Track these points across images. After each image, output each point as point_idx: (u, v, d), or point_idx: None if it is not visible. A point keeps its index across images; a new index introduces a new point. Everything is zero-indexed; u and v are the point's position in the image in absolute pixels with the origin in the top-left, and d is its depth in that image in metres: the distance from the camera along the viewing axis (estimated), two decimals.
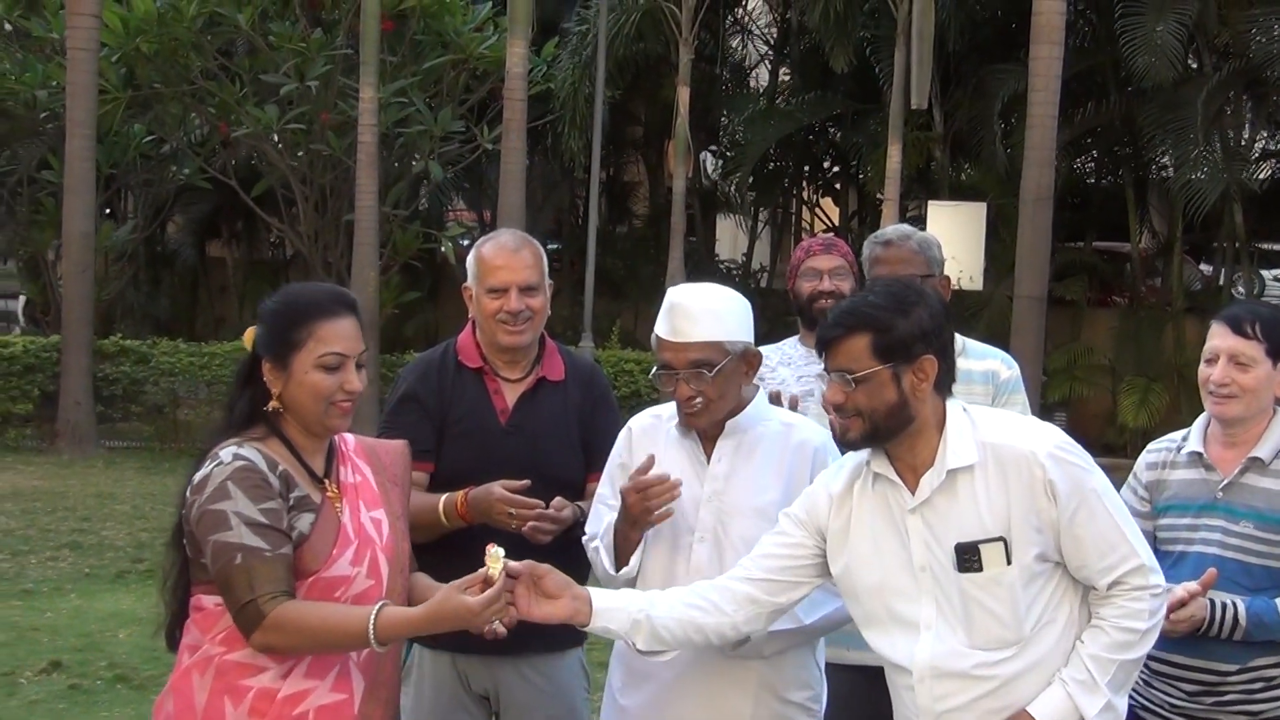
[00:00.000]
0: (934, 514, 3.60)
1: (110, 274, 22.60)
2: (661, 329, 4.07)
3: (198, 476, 3.55)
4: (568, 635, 4.70)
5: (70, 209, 18.39)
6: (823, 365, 3.68)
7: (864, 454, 3.73)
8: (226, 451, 3.56)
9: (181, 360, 18.73)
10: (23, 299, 26.07)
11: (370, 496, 3.78)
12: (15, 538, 12.64)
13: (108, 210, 24.69)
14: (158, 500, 14.75)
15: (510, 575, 3.57)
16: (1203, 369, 4.33)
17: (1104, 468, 3.72)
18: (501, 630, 3.68)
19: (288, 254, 27.35)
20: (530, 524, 4.30)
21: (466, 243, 22.82)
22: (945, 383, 3.65)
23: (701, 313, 4.04)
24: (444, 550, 4.25)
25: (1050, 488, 3.51)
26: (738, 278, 26.12)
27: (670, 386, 4.05)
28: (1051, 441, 3.59)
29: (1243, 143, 21.95)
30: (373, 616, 3.45)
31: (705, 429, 4.13)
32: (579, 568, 4.34)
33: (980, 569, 3.53)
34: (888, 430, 3.59)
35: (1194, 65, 20.96)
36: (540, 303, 4.64)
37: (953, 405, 3.68)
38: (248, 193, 21.93)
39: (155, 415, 19.12)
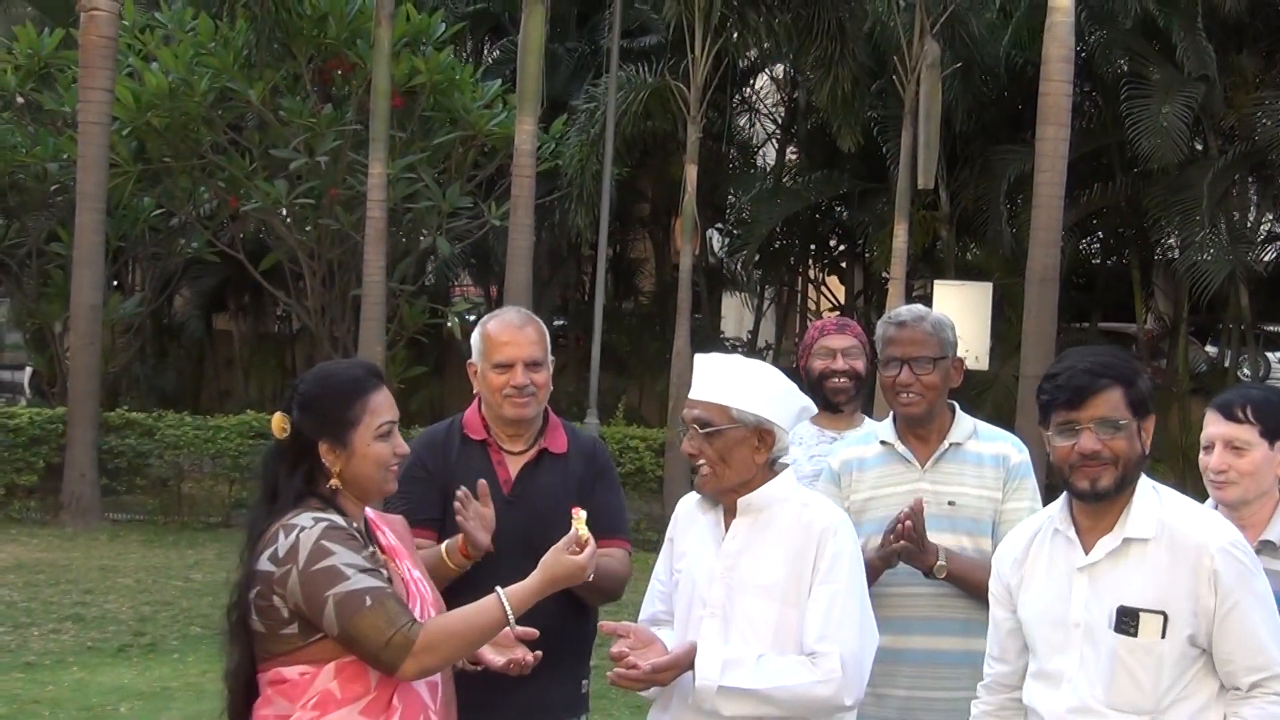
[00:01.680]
0: (1100, 574, 3.74)
1: (117, 346, 22.63)
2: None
3: (281, 549, 3.63)
4: (569, 705, 4.83)
5: (79, 281, 18.43)
6: (1066, 415, 3.76)
7: (1044, 514, 3.93)
8: (304, 518, 3.67)
9: (187, 433, 18.71)
10: (29, 370, 26.12)
11: (409, 558, 3.95)
12: (18, 610, 12.59)
13: (115, 282, 24.76)
14: (161, 574, 14.71)
15: None
16: (1202, 457, 4.46)
17: None
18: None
19: (294, 328, 27.42)
20: None
21: (473, 318, 22.85)
22: None
23: (716, 376, 4.17)
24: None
25: (1214, 579, 3.63)
26: (743, 355, 26.02)
27: (683, 441, 4.19)
28: (1226, 538, 3.71)
29: (1248, 225, 22.02)
30: (504, 600, 3.72)
31: (722, 500, 4.22)
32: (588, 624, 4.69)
33: (1135, 634, 3.67)
34: (1129, 481, 3.76)
35: (1200, 148, 21.06)
36: (544, 378, 4.80)
37: (1143, 478, 3.82)
38: (255, 266, 22.02)
39: (160, 488, 19.08)
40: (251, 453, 18.38)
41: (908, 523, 4.49)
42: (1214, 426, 4.39)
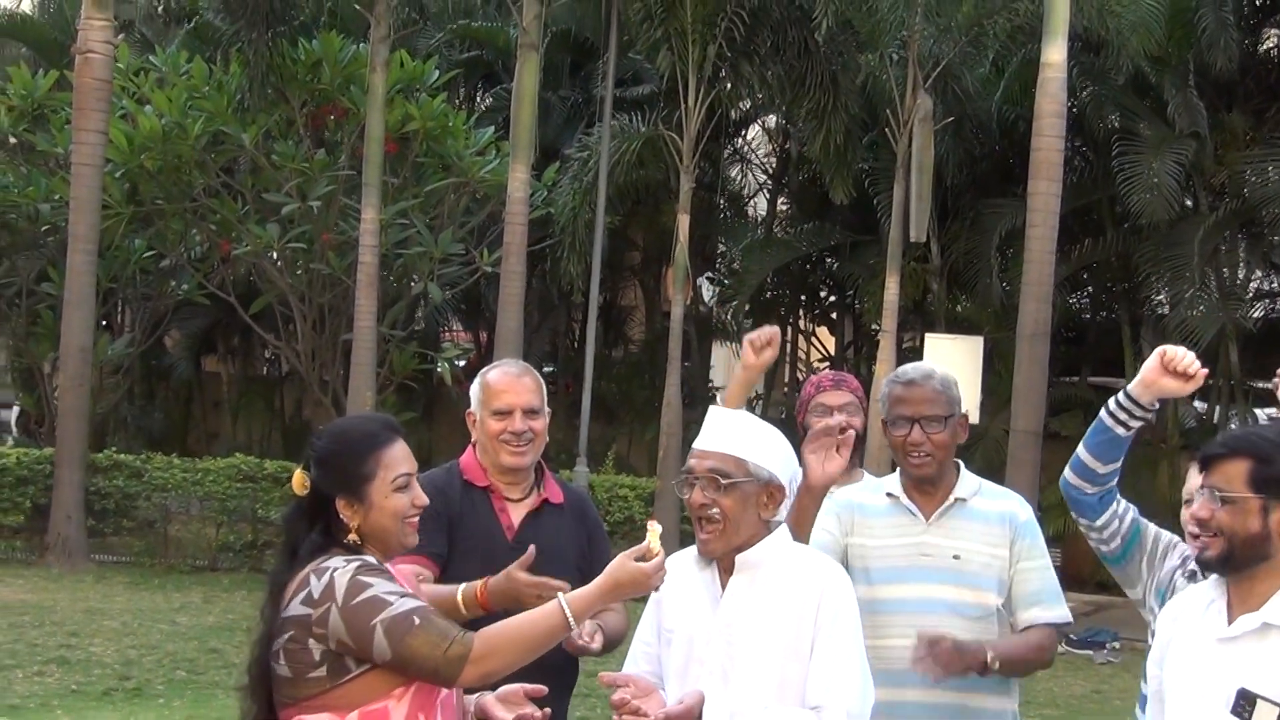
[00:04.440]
0: (1235, 651, 3.62)
1: (105, 387, 22.60)
2: (697, 441, 4.16)
3: (316, 590, 3.62)
4: None
5: (69, 322, 18.41)
6: (1198, 478, 3.74)
7: (1212, 580, 3.79)
8: (336, 560, 3.68)
9: (175, 476, 18.68)
10: (17, 410, 26.06)
11: None
12: (2, 651, 12.50)
13: (104, 323, 24.74)
14: (147, 616, 14.63)
15: None
16: (1184, 511, 4.34)
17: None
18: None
19: (283, 371, 27.43)
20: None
21: (463, 364, 22.89)
22: None
23: (732, 428, 4.14)
24: None
25: None
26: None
27: (687, 492, 4.10)
28: None
29: (1238, 282, 22.07)
30: (564, 604, 3.72)
31: (719, 557, 4.14)
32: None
33: None
34: (1242, 559, 3.62)
35: (1190, 204, 21.12)
36: (541, 425, 4.91)
37: None
38: (246, 309, 22.01)
39: (147, 530, 19.04)
40: (239, 496, 18.36)
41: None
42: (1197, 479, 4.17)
